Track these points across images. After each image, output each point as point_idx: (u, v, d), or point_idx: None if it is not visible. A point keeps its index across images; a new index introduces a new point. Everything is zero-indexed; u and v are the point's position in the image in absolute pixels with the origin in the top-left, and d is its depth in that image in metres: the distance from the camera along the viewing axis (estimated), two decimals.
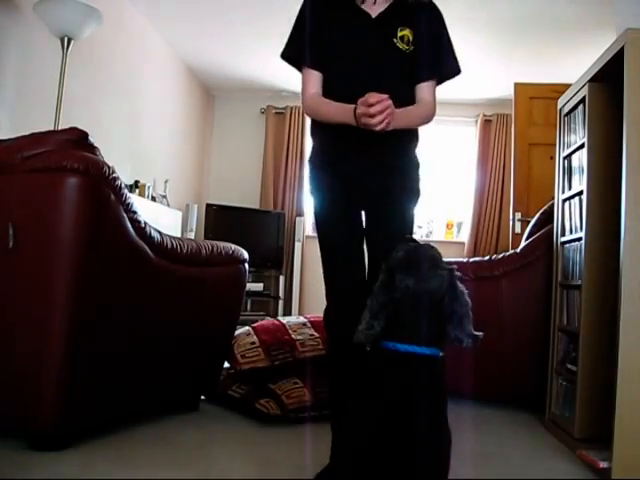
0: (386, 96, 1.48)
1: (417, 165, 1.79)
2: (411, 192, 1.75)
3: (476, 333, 1.19)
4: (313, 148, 1.81)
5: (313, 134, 1.81)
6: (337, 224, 1.72)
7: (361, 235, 1.72)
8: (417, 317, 1.17)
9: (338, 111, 1.61)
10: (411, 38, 1.69)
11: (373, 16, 1.70)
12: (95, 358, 1.81)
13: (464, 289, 1.21)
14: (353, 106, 1.54)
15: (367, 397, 1.18)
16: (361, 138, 1.57)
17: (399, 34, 1.69)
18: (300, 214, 6.40)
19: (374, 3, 1.70)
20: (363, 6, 1.70)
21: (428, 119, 1.76)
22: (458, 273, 1.22)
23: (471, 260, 2.93)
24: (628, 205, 1.84)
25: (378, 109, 1.47)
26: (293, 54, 1.77)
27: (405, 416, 1.11)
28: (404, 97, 1.68)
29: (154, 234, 1.97)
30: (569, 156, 2.49)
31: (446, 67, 1.77)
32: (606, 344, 2.03)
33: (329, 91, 1.70)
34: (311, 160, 1.80)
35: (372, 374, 1.20)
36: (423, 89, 1.75)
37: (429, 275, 1.19)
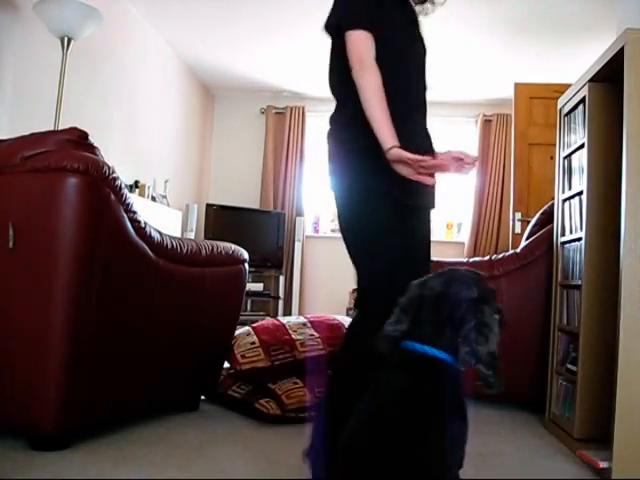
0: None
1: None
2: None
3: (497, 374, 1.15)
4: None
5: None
6: None
7: None
8: (435, 318, 1.15)
9: (381, 129, 1.47)
10: None
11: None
12: (95, 358, 1.81)
13: (495, 317, 1.19)
14: (390, 145, 1.44)
15: (373, 393, 1.16)
16: None
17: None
18: (300, 214, 6.40)
19: None
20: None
21: None
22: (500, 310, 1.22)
23: (471, 260, 2.93)
24: (628, 205, 1.84)
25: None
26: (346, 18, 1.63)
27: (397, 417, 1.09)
28: None
29: (154, 234, 1.97)
30: (569, 156, 2.49)
31: None
32: (606, 344, 2.03)
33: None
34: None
35: (383, 370, 1.17)
36: None
37: (461, 282, 1.16)
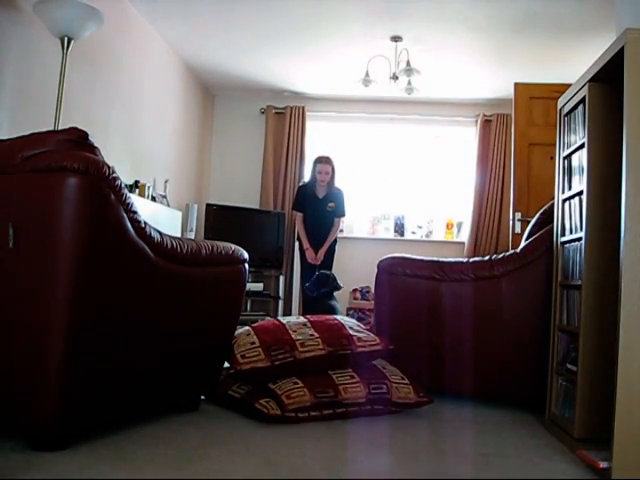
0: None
1: None
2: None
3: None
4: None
5: None
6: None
7: None
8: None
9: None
10: (333, 204, 5.28)
11: (320, 197, 5.31)
12: (95, 358, 1.81)
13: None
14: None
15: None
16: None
17: (329, 204, 5.28)
18: None
19: (321, 192, 5.33)
20: (317, 193, 5.32)
21: (337, 231, 5.39)
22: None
23: (471, 260, 2.93)
24: (628, 205, 1.84)
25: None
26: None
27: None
28: (329, 226, 5.29)
29: (154, 234, 1.97)
30: (569, 156, 2.49)
31: (343, 212, 5.38)
32: (606, 344, 2.03)
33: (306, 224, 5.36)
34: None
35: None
36: (335, 220, 5.34)
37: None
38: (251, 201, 6.53)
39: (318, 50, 5.42)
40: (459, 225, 6.65)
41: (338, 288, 4.53)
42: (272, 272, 6.21)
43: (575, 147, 2.40)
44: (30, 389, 1.74)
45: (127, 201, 1.85)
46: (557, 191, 2.59)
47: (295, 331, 2.53)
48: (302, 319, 2.69)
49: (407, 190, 6.77)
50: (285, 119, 6.65)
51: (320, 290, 4.50)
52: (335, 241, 5.36)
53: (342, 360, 2.48)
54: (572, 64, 4.75)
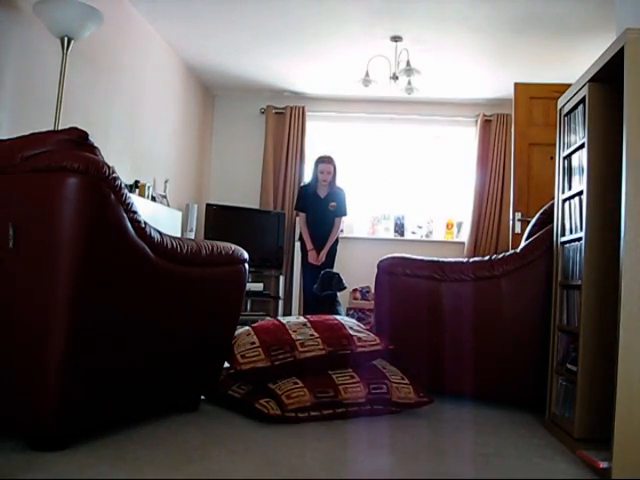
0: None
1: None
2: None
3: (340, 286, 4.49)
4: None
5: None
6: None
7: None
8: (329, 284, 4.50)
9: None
10: (335, 204, 5.31)
11: (322, 197, 5.35)
12: (95, 358, 1.81)
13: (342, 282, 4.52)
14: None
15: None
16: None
17: (330, 204, 5.31)
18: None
19: (323, 192, 5.36)
20: (319, 192, 5.35)
21: (338, 231, 5.40)
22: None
23: (471, 260, 2.93)
24: (628, 205, 1.84)
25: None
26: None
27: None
28: (331, 225, 5.30)
29: (154, 234, 1.97)
30: (569, 156, 2.49)
31: (344, 211, 5.39)
32: (606, 344, 2.03)
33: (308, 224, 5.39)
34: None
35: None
36: (336, 220, 5.35)
37: (331, 275, 4.56)
38: (251, 201, 6.53)
39: (318, 50, 5.42)
40: (459, 225, 6.65)
41: (342, 289, 4.49)
42: (272, 272, 6.21)
43: (575, 147, 2.40)
44: (30, 389, 1.74)
45: (127, 201, 1.85)
46: (557, 191, 2.59)
47: (295, 331, 2.53)
48: (302, 319, 2.69)
49: (407, 190, 6.77)
50: (285, 119, 6.65)
51: (324, 291, 4.46)
52: (337, 241, 5.35)
53: (342, 360, 2.48)
54: (572, 64, 4.75)
